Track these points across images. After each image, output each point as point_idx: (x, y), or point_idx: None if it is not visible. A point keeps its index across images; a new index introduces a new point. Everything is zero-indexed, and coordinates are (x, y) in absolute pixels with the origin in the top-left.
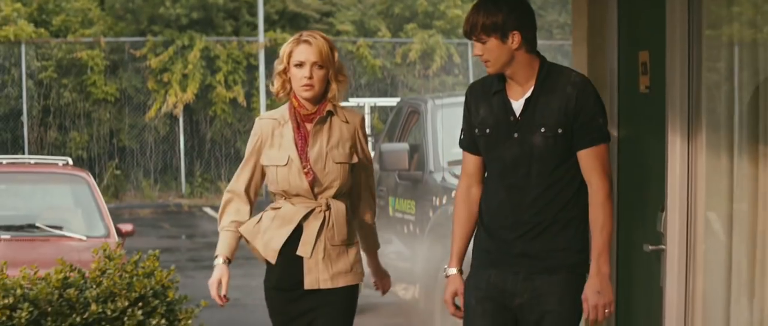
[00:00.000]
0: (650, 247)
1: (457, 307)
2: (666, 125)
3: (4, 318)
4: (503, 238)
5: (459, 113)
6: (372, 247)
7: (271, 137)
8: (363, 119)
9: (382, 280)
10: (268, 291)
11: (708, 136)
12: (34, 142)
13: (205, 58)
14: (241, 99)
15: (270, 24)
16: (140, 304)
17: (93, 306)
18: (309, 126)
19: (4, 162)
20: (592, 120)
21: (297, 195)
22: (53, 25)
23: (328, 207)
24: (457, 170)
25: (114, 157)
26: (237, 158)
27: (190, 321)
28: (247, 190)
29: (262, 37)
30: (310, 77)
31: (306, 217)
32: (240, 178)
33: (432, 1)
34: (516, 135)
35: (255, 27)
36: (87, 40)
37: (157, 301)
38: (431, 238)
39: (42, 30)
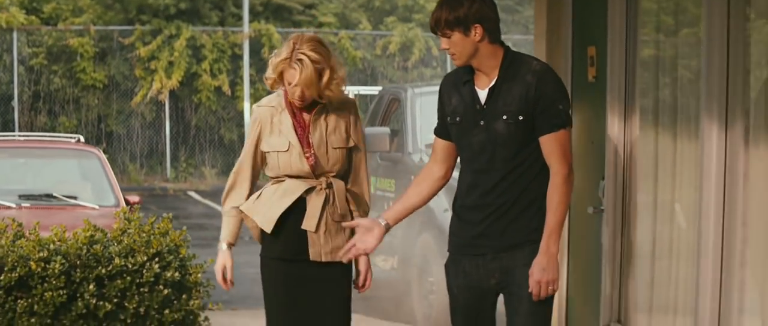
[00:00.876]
0: (592, 209)
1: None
2: (606, 109)
3: (39, 269)
4: (470, 220)
5: (435, 101)
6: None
7: (270, 124)
8: (355, 104)
9: (365, 273)
10: (269, 262)
11: (641, 117)
12: (24, 126)
13: (191, 47)
14: (225, 87)
15: (254, 15)
16: (157, 259)
17: (116, 260)
18: (306, 115)
19: (21, 138)
20: (551, 106)
21: (299, 176)
22: (44, 13)
23: (330, 186)
24: None
25: (101, 141)
26: (221, 144)
27: (200, 275)
28: (249, 175)
29: (246, 27)
30: (301, 96)
31: (308, 192)
32: (243, 164)
33: None
34: (482, 122)
35: (240, 18)
36: (77, 28)
37: (171, 257)
38: None
39: (33, 17)
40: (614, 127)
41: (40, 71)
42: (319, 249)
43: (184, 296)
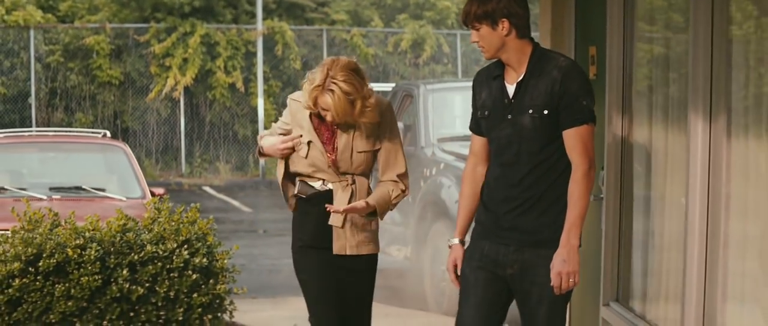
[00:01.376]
0: (593, 197)
1: (456, 275)
2: (605, 104)
3: (75, 256)
4: (496, 212)
5: (447, 98)
6: (379, 199)
7: (297, 117)
8: (389, 105)
9: (357, 206)
10: (300, 249)
11: (636, 112)
12: (41, 122)
13: (205, 44)
14: (239, 84)
15: (268, 12)
16: (186, 246)
17: (148, 247)
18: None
19: (51, 134)
20: (575, 101)
21: (322, 171)
22: (61, 11)
23: (354, 182)
24: (446, 146)
25: (117, 137)
26: (235, 140)
27: (226, 261)
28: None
29: (260, 25)
30: (333, 121)
31: (334, 186)
32: (272, 132)
33: None
34: (509, 116)
35: (253, 15)
36: (93, 26)
37: (199, 244)
38: (422, 205)
39: (50, 15)
40: (613, 120)
41: (57, 68)
42: (344, 243)
43: (211, 281)
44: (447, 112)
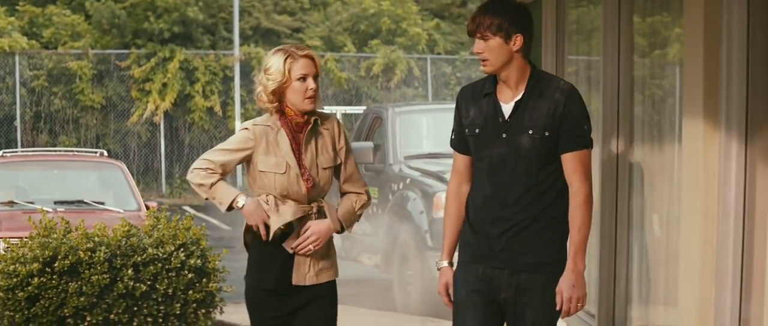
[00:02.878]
0: None
1: (449, 298)
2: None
3: (86, 258)
4: (486, 234)
5: (414, 119)
6: (345, 213)
7: (266, 143)
8: (338, 121)
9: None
10: (255, 292)
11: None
12: (27, 144)
13: (184, 69)
14: (217, 108)
15: (245, 39)
16: (182, 249)
17: (149, 250)
18: (300, 135)
19: (53, 153)
20: (577, 125)
21: (292, 199)
22: (44, 38)
23: (320, 211)
24: (412, 163)
25: None
26: None
27: (217, 262)
28: (222, 168)
29: (237, 50)
30: (315, 89)
31: (300, 220)
32: (221, 156)
33: (394, 20)
34: (504, 135)
35: (231, 41)
36: (76, 52)
37: (193, 247)
38: (390, 216)
39: (34, 42)
40: (605, 139)
41: (41, 93)
42: (303, 275)
43: (204, 279)
44: (413, 132)
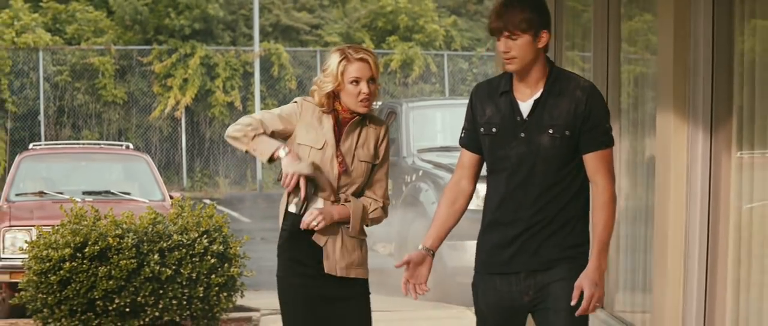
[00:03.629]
0: None
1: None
2: None
3: (115, 243)
4: (502, 236)
5: (427, 114)
6: (355, 206)
7: (311, 118)
8: (387, 128)
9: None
10: (287, 283)
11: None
12: (50, 139)
13: (205, 65)
14: (237, 103)
15: (264, 35)
16: (205, 236)
17: (174, 236)
18: (344, 127)
19: (81, 145)
20: (600, 124)
21: (322, 190)
22: (67, 34)
23: (347, 202)
24: (424, 156)
25: None
26: (233, 156)
27: (239, 248)
28: (263, 126)
29: (257, 46)
30: (369, 93)
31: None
32: (265, 116)
33: (412, 16)
34: (523, 134)
35: (251, 38)
36: (98, 48)
37: (216, 234)
38: (404, 207)
39: (57, 38)
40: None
41: (65, 88)
42: (334, 264)
43: (226, 264)
44: (427, 126)
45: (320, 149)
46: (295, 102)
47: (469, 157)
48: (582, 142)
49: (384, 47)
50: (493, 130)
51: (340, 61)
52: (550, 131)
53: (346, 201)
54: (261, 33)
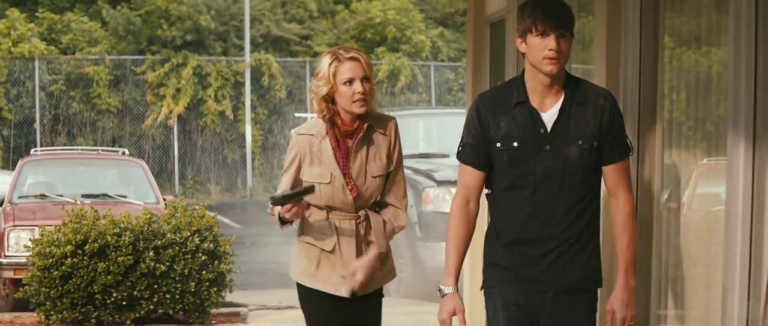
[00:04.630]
0: None
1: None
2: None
3: (113, 241)
4: (528, 254)
5: (409, 123)
6: (388, 236)
7: (309, 153)
8: (396, 124)
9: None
10: (310, 293)
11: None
12: (45, 146)
13: (197, 75)
14: (228, 112)
15: (255, 46)
16: (197, 234)
17: (168, 235)
18: (349, 141)
19: (80, 150)
20: (621, 133)
21: (339, 209)
22: (63, 44)
23: (367, 219)
24: (405, 162)
25: None
26: (224, 163)
27: (228, 246)
28: (286, 188)
29: (248, 57)
30: (364, 92)
31: (340, 232)
32: (285, 178)
33: (399, 28)
34: (548, 147)
35: (242, 48)
36: (93, 57)
37: (207, 233)
38: None
39: (53, 47)
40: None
41: (60, 96)
42: (355, 285)
43: (216, 261)
44: (409, 134)
45: (328, 183)
46: (292, 137)
47: (475, 176)
48: (604, 154)
49: (372, 58)
50: (514, 144)
51: (331, 63)
52: (579, 142)
53: (365, 218)
54: (252, 44)
